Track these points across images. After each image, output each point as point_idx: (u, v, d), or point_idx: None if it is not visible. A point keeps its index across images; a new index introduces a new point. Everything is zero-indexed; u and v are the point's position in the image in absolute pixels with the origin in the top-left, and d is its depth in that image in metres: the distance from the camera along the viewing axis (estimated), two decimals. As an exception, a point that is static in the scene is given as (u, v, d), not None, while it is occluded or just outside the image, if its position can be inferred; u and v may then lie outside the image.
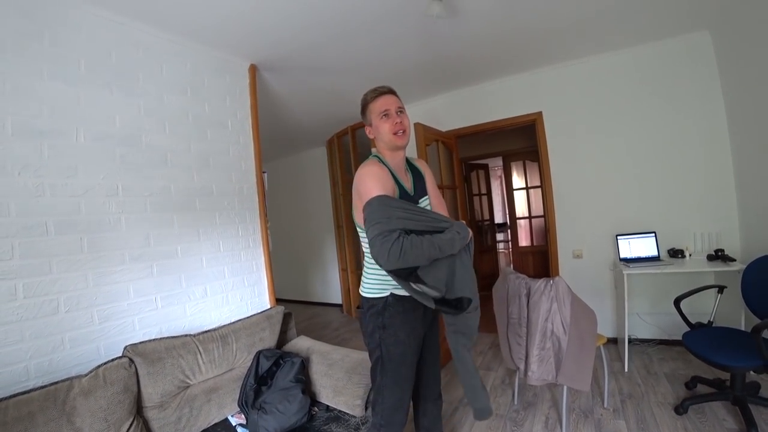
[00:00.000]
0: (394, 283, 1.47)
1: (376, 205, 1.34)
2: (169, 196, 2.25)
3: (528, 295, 2.28)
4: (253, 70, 2.88)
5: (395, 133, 1.50)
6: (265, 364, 2.03)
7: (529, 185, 5.93)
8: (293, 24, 2.44)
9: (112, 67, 2.04)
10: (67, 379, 1.57)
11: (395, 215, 1.32)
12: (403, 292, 1.46)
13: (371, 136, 1.59)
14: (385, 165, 1.52)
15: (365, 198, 1.37)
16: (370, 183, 1.39)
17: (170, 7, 2.10)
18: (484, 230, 6.53)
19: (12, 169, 1.65)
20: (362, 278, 1.60)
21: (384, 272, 1.47)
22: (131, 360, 1.74)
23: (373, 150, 1.60)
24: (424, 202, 1.60)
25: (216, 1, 2.11)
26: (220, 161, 2.57)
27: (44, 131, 1.76)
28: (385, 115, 1.50)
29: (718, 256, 2.88)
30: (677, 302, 2.50)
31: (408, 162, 1.66)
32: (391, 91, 1.55)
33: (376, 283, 1.53)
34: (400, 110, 1.53)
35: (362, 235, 1.52)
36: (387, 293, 1.50)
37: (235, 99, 2.72)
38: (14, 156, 1.66)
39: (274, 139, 5.21)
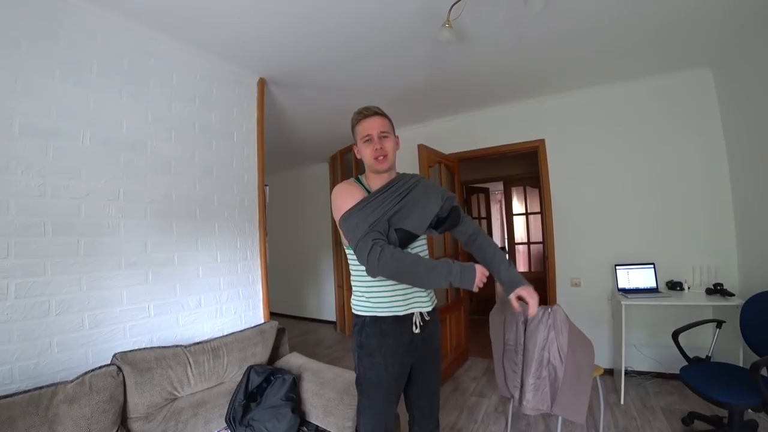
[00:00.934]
0: (376, 303, 1.46)
1: (345, 218, 1.39)
2: (170, 203, 2.24)
3: (525, 323, 2.25)
4: (262, 83, 2.92)
5: (376, 158, 1.48)
6: (255, 380, 1.99)
7: (528, 211, 5.95)
8: (304, 42, 2.49)
9: (124, 73, 2.07)
10: (52, 385, 1.52)
11: (360, 217, 1.36)
12: (384, 313, 1.45)
13: (359, 156, 1.58)
14: (362, 185, 1.53)
15: (337, 217, 1.44)
16: (339, 201, 1.45)
17: (185, 17, 2.14)
18: (482, 254, 6.50)
19: (15, 167, 1.64)
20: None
21: (367, 290, 1.48)
22: (119, 368, 1.70)
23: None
24: None
25: (230, 14, 2.15)
26: (223, 172, 2.57)
27: (51, 132, 1.76)
28: (367, 140, 1.48)
29: (717, 290, 2.87)
30: (675, 335, 2.48)
31: None
32: (376, 113, 1.51)
33: (358, 301, 1.52)
34: (384, 134, 1.49)
35: (348, 252, 1.53)
36: (367, 313, 1.48)
37: (243, 111, 2.75)
38: (19, 154, 1.66)
39: (277, 152, 5.24)
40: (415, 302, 1.49)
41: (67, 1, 1.85)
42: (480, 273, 1.32)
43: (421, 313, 1.50)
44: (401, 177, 1.55)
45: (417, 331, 1.48)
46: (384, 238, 1.34)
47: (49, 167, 1.75)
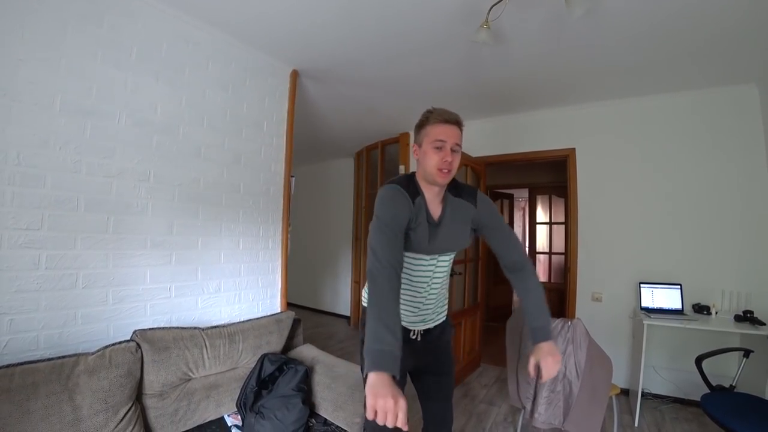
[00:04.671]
0: None
1: (376, 228, 1.28)
2: (197, 188, 2.28)
3: (543, 333, 2.20)
4: (295, 75, 2.94)
5: (440, 170, 1.33)
6: (268, 368, 2.01)
7: (552, 221, 5.83)
8: (339, 37, 2.49)
9: (162, 58, 2.11)
10: (74, 355, 1.58)
11: (387, 240, 1.25)
12: None
13: (416, 157, 1.43)
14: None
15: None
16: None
17: (224, 7, 2.17)
18: (502, 261, 6.43)
19: (54, 143, 1.70)
20: None
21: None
22: (138, 345, 1.75)
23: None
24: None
25: (268, 6, 2.17)
26: (251, 160, 2.60)
27: (90, 111, 1.82)
28: (438, 147, 1.33)
29: (747, 317, 2.75)
30: (699, 361, 2.38)
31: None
32: (457, 123, 1.36)
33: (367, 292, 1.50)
34: (456, 147, 1.36)
35: None
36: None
37: (274, 102, 2.77)
38: (58, 131, 1.72)
39: (304, 144, 5.28)
40: (419, 322, 1.48)
41: (113, -16, 1.90)
42: (372, 398, 0.99)
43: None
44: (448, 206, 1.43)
45: (414, 337, 1.48)
46: (396, 266, 1.24)
47: (86, 145, 1.81)
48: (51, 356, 1.57)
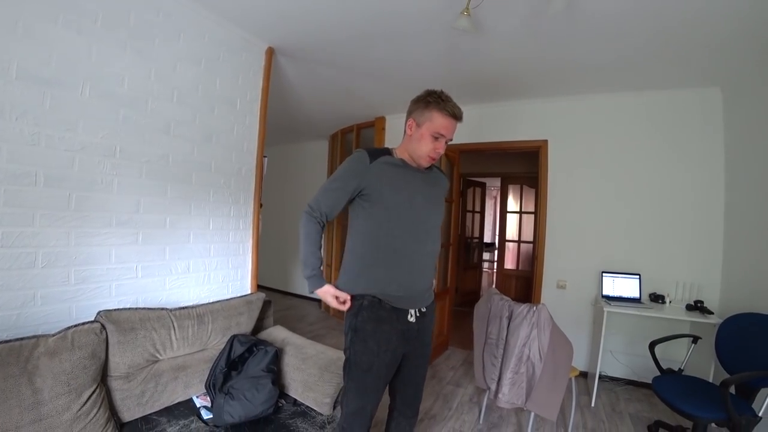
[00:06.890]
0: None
1: (325, 186, 1.54)
2: (166, 165, 2.20)
3: (509, 318, 2.28)
4: (270, 53, 2.85)
5: (431, 157, 1.50)
6: (238, 349, 1.99)
7: (522, 210, 5.97)
8: (318, 14, 2.42)
9: (130, 27, 2.00)
10: (34, 337, 1.51)
11: (325, 198, 1.52)
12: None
13: (409, 133, 1.52)
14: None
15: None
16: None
17: (197, -24, 2.07)
18: (472, 248, 6.56)
19: (10, 113, 1.59)
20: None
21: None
22: (103, 326, 1.69)
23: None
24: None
25: (245, -22, 2.08)
26: (223, 139, 2.53)
27: (49, 80, 1.71)
28: (438, 137, 1.46)
29: (697, 307, 2.94)
30: (652, 346, 2.53)
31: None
32: (461, 119, 1.48)
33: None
34: (449, 141, 1.52)
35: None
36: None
37: (248, 79, 2.69)
38: (14, 100, 1.60)
39: (277, 124, 5.16)
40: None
41: (76, -56, 1.77)
42: (327, 294, 1.51)
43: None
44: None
45: (412, 320, 1.50)
46: (323, 218, 1.54)
47: (45, 116, 1.70)
48: (8, 338, 1.50)
